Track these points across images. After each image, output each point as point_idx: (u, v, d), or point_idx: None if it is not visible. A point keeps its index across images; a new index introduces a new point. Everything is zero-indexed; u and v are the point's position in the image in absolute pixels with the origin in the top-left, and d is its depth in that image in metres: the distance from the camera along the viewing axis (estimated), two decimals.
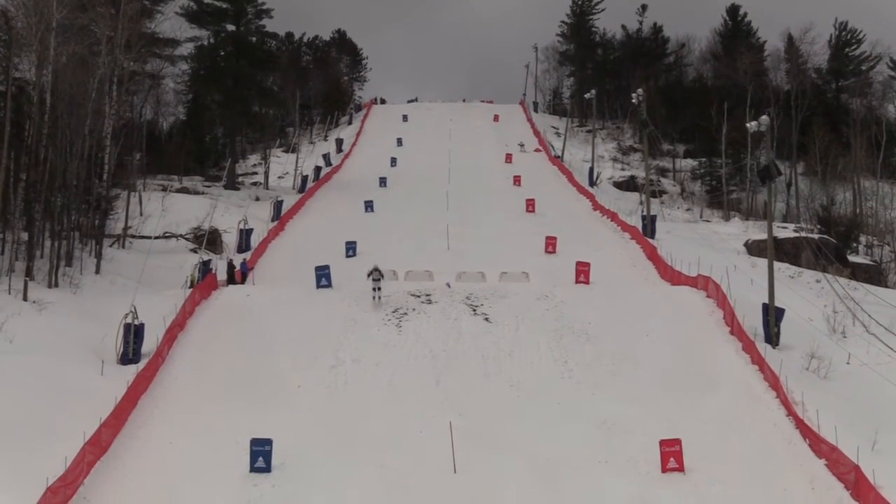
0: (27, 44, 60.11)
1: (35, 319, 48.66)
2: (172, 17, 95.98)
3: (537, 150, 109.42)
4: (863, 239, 79.56)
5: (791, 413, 40.53)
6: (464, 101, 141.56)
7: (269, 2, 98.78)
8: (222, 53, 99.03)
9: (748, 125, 59.71)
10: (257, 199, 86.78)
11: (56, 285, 54.74)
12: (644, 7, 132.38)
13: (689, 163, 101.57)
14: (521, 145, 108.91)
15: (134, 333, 46.41)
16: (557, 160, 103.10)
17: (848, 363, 46.64)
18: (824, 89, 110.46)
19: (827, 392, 42.24)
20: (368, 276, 53.28)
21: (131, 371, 43.86)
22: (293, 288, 56.15)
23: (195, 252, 65.90)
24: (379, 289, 53.11)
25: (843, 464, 35.61)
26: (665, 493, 35.09)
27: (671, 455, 36.67)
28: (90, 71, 64.47)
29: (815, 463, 37.07)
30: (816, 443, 37.81)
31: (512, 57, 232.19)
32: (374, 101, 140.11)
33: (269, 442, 36.90)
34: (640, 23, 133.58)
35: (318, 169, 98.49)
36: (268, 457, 36.70)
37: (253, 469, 36.45)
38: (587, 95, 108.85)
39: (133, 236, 67.99)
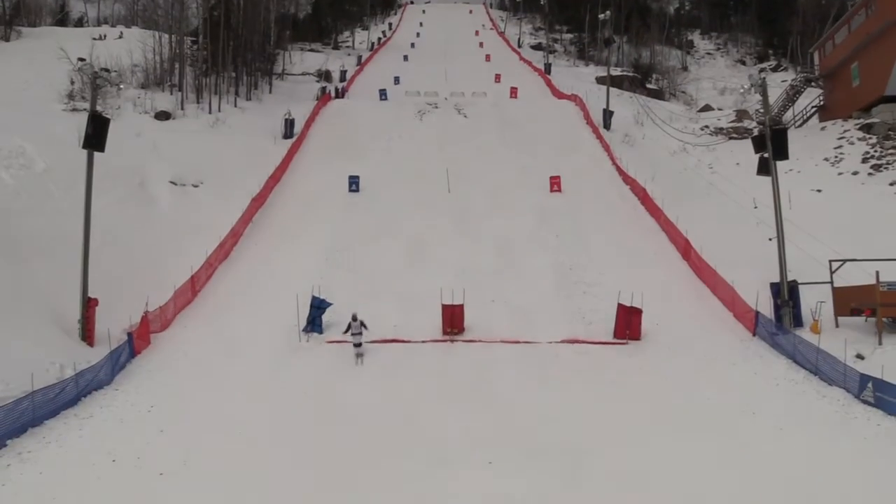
0: None
1: (240, 116, 47.91)
2: None
3: (491, 29, 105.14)
4: (654, 76, 77.93)
5: (614, 163, 40.35)
6: (454, 2, 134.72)
7: None
8: None
9: (600, 16, 57.93)
10: (349, 54, 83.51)
11: (250, 99, 53.48)
12: None
13: (569, 35, 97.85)
14: (483, 25, 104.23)
15: (289, 123, 45.86)
16: (502, 34, 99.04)
17: (643, 138, 46.19)
18: None
19: (633, 153, 41.96)
20: (346, 330, 21.51)
21: (289, 143, 43.48)
22: (367, 100, 54.97)
23: (318, 82, 64.34)
24: (360, 345, 21.11)
25: (637, 188, 35.93)
26: (551, 202, 35.24)
27: (555, 183, 36.83)
28: None
29: (624, 187, 37.22)
30: (626, 178, 37.89)
31: None
32: (408, 3, 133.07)
33: (357, 177, 37.05)
34: None
35: (379, 39, 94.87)
36: (357, 184, 36.89)
37: (350, 190, 36.68)
38: None
39: (287, 74, 65.96)
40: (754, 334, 22.71)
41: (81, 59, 47.05)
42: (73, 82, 44.20)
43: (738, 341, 22.48)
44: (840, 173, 36.79)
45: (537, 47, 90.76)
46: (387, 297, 25.19)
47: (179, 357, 21.78)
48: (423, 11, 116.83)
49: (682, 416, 17.41)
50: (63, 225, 25.90)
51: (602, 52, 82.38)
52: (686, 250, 28.65)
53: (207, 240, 28.75)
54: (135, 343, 21.72)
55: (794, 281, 23.55)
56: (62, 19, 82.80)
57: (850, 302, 22.33)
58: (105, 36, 62.34)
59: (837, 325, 22.54)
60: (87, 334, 22.18)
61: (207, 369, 20.82)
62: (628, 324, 22.60)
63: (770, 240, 26.08)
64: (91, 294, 22.52)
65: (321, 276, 25.98)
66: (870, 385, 17.45)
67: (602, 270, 27.50)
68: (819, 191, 34.31)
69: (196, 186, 35.74)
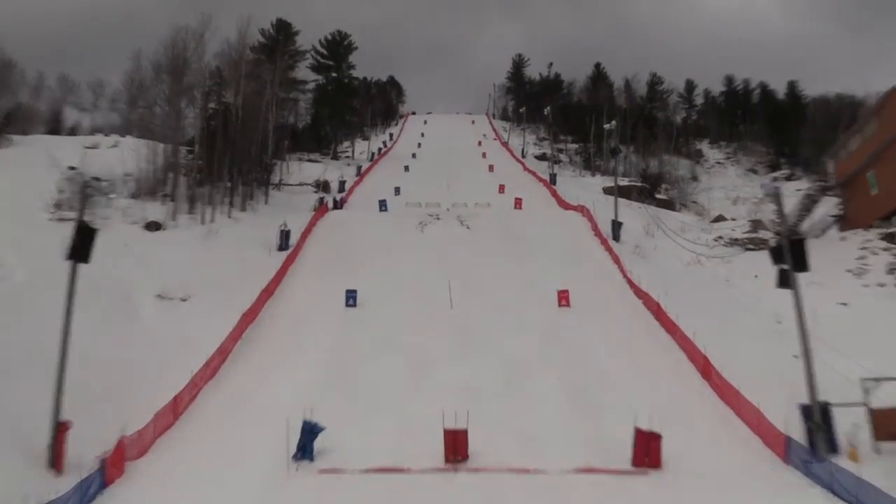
0: (228, 84, 59.83)
1: (234, 227, 48.42)
2: (303, 69, 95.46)
3: (494, 139, 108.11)
4: (663, 186, 79.37)
5: (625, 276, 40.37)
6: (457, 113, 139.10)
7: (352, 60, 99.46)
8: (330, 88, 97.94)
9: (605, 126, 59.33)
10: (348, 164, 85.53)
11: (245, 210, 54.27)
12: (550, 63, 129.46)
13: (574, 146, 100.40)
14: (485, 135, 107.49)
15: (285, 235, 46.17)
16: (505, 144, 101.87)
17: (655, 249, 46.48)
18: (644, 107, 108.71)
19: (644, 265, 42.09)
20: None
21: (284, 255, 43.75)
22: (367, 211, 55.75)
23: (316, 192, 65.40)
24: None
25: (650, 302, 35.64)
26: (560, 317, 35.00)
27: (563, 298, 36.64)
28: (261, 97, 63.69)
29: (636, 301, 37.02)
30: (637, 291, 37.73)
31: (486, 86, 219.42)
32: (410, 113, 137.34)
33: (355, 291, 36.85)
34: (549, 70, 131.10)
35: (379, 149, 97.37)
36: (355, 298, 36.67)
37: (347, 305, 36.45)
38: (521, 110, 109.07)
39: (284, 184, 67.19)
40: (785, 462, 21.79)
41: (72, 168, 47.90)
42: (61, 191, 44.80)
43: (769, 469, 21.53)
44: (866, 285, 36.64)
45: (542, 157, 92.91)
46: (385, 420, 24.42)
47: (155, 488, 20.81)
48: (425, 122, 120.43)
49: None
50: (39, 340, 25.40)
51: (608, 162, 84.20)
52: (706, 368, 28.00)
53: (193, 357, 28.22)
54: (107, 472, 20.82)
55: (826, 402, 22.80)
56: (55, 128, 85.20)
57: (890, 425, 21.51)
58: (98, 145, 63.91)
59: (878, 452, 21.64)
60: (56, 461, 21.30)
61: (186, 502, 19.84)
62: (647, 450, 21.72)
63: (795, 357, 25.46)
64: (65, 415, 21.78)
65: (314, 398, 25.21)
66: None
67: (616, 391, 26.78)
68: (845, 304, 34.02)
69: (184, 300, 35.53)
